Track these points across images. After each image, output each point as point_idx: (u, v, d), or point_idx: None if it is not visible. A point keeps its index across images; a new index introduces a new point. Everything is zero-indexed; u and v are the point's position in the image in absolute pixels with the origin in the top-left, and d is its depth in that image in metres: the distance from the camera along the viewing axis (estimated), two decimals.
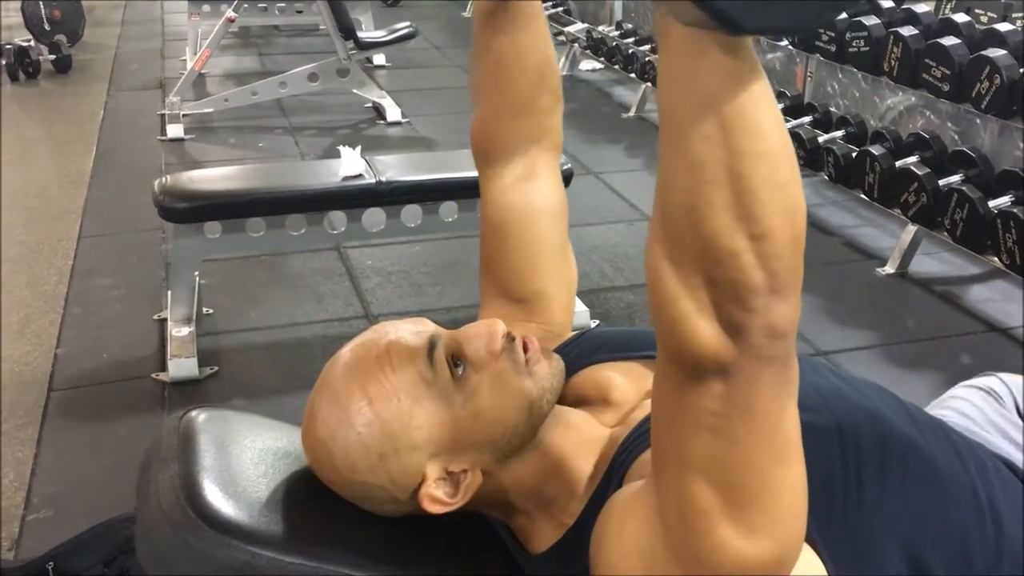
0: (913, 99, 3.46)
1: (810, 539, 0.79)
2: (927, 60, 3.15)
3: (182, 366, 2.69)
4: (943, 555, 0.93)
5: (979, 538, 0.96)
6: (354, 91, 5.27)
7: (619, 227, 3.81)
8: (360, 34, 5.20)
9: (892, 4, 3.58)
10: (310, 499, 1.01)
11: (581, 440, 1.00)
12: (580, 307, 2.92)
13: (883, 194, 3.38)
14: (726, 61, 0.61)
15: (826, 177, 3.73)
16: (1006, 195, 2.94)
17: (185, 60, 6.11)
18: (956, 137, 3.27)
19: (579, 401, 1.08)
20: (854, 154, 3.54)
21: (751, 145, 0.63)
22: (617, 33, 5.57)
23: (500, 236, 1.19)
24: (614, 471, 0.93)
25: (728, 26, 0.59)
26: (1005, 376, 1.29)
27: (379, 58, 6.45)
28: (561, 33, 5.98)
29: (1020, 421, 1.20)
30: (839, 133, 3.72)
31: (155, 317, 3.03)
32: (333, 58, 5.13)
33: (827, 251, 3.55)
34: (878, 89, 3.64)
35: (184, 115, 5.04)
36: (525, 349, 0.98)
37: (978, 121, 3.16)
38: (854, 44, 3.51)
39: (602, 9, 6.07)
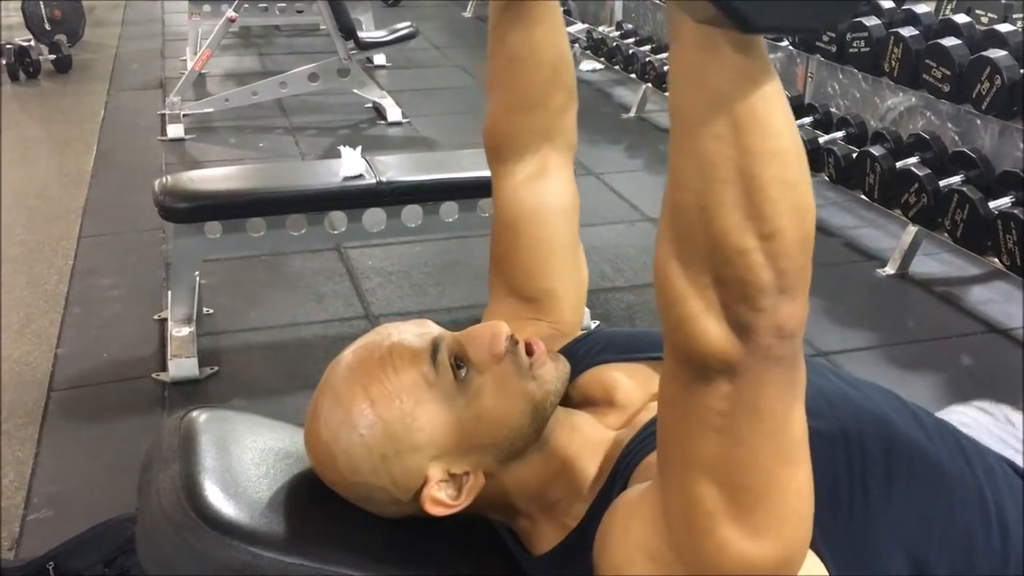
0: (913, 100, 3.46)
1: (813, 544, 0.79)
2: (928, 61, 3.15)
3: (182, 366, 2.69)
4: (948, 559, 0.92)
5: (985, 542, 0.95)
6: (354, 91, 5.27)
7: (619, 227, 3.81)
8: (360, 34, 5.20)
9: (892, 4, 3.58)
10: (311, 500, 1.01)
11: (585, 442, 0.99)
12: None
13: (883, 195, 3.38)
14: (738, 60, 0.61)
15: (826, 178, 3.73)
16: (1006, 196, 2.94)
17: (185, 60, 6.10)
18: (956, 138, 3.27)
19: (584, 402, 1.07)
20: (854, 155, 3.54)
21: (763, 145, 0.63)
22: (617, 33, 5.57)
23: (511, 234, 1.18)
24: (618, 473, 0.92)
25: (741, 24, 0.59)
26: (984, 404, 1.29)
27: (379, 58, 6.45)
28: None
29: (1017, 431, 1.19)
30: (839, 134, 3.72)
31: (155, 317, 3.03)
32: (333, 58, 5.13)
33: (827, 252, 3.55)
34: (878, 90, 3.64)
35: (184, 115, 5.04)
36: (530, 352, 0.97)
37: (979, 122, 3.16)
38: (854, 45, 3.51)
39: (602, 9, 6.06)
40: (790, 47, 4.08)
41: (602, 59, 5.70)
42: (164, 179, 2.76)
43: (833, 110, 3.87)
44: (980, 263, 3.25)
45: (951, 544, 0.94)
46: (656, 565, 0.77)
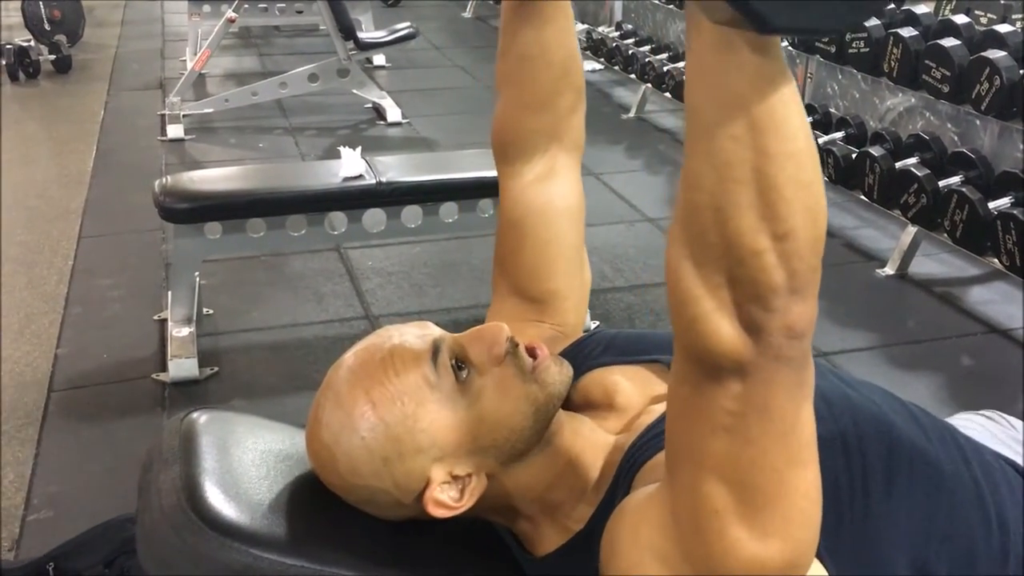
0: (913, 100, 3.46)
1: None
2: (927, 61, 3.15)
3: (182, 366, 2.69)
4: (948, 559, 0.93)
5: (984, 541, 0.95)
6: (354, 91, 5.27)
7: (619, 228, 3.82)
8: (360, 34, 5.20)
9: (892, 5, 3.58)
10: (312, 502, 1.01)
11: (587, 445, 1.00)
12: None
13: (883, 195, 3.38)
14: (756, 61, 0.61)
15: (826, 178, 3.72)
16: (1006, 196, 2.94)
17: (185, 60, 6.10)
18: (956, 138, 3.27)
19: (584, 404, 1.07)
20: (854, 155, 3.54)
21: (780, 147, 0.63)
22: (617, 34, 5.57)
23: (517, 234, 1.18)
24: (621, 477, 0.92)
25: (759, 24, 0.59)
26: (991, 412, 1.29)
27: (379, 58, 6.45)
28: None
29: (1018, 434, 1.20)
30: (839, 134, 3.72)
31: (155, 317, 3.03)
32: (333, 58, 5.13)
33: (827, 252, 3.40)
34: (878, 90, 3.64)
35: (184, 115, 5.04)
36: (534, 356, 0.97)
37: (978, 122, 3.17)
38: (854, 45, 3.51)
39: (602, 10, 6.07)
40: (789, 47, 4.08)
41: (602, 59, 5.70)
42: (164, 179, 2.76)
43: (833, 110, 3.88)
44: (980, 263, 3.25)
45: (951, 544, 0.94)
46: (665, 567, 0.77)
